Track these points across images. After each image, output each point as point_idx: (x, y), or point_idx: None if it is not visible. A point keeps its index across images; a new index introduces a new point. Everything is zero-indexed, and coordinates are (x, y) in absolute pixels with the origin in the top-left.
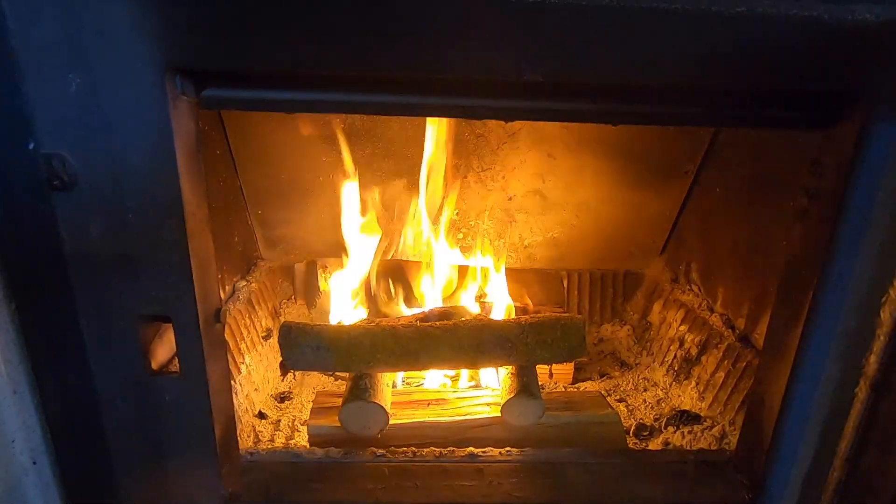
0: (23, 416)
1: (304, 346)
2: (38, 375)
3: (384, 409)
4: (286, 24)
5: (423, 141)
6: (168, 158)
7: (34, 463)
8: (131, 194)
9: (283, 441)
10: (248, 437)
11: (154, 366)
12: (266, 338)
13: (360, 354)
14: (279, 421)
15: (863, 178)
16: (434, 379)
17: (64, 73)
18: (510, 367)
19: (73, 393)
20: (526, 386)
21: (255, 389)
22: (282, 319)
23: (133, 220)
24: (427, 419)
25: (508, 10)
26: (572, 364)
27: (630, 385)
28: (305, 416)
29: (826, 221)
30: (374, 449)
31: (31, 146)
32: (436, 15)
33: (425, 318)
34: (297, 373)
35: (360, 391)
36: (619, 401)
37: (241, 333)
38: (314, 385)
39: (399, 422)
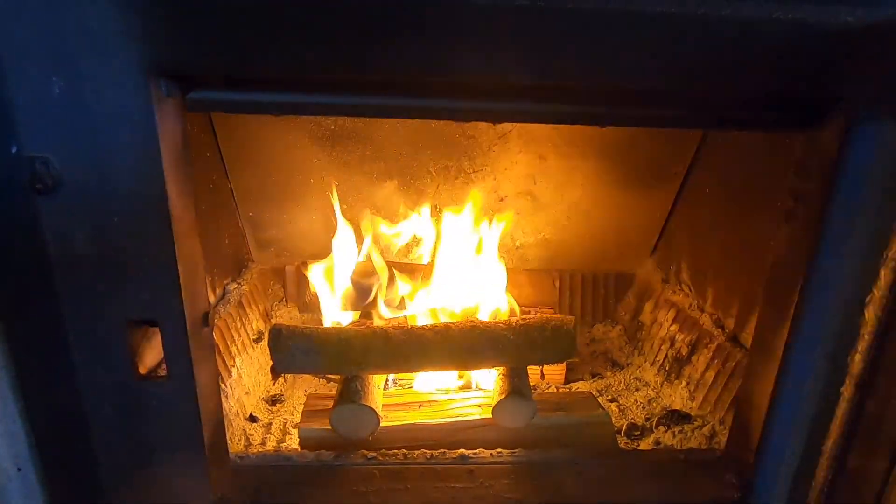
0: (6, 422)
1: (294, 350)
2: (22, 381)
3: (375, 411)
4: (273, 26)
5: (414, 142)
6: (154, 161)
7: (19, 469)
8: (117, 198)
9: (275, 444)
10: (239, 440)
11: (142, 370)
12: (257, 340)
13: (350, 357)
14: (270, 424)
15: (847, 179)
16: (426, 381)
17: (47, 75)
18: (501, 368)
19: (58, 399)
20: (517, 387)
21: (246, 392)
22: (273, 322)
23: (119, 224)
24: (418, 421)
25: (496, 13)
26: (564, 364)
27: (621, 385)
28: (297, 418)
29: (811, 222)
30: (366, 451)
31: (14, 149)
32: (424, 18)
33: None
34: (288, 375)
35: (351, 394)
36: (611, 401)
37: (232, 336)
38: (306, 387)
39: (390, 424)
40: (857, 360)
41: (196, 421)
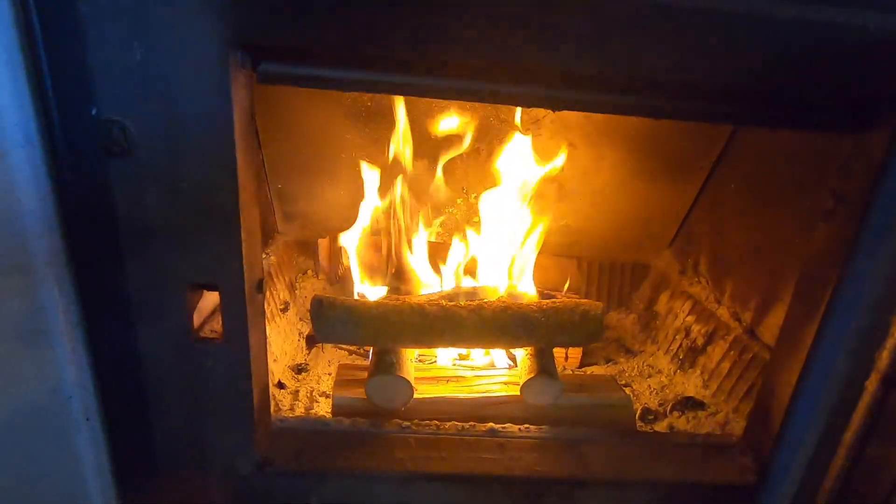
0: (79, 374)
1: (334, 320)
2: (91, 337)
3: (410, 383)
4: (348, 2)
5: (446, 122)
6: (226, 131)
7: (87, 419)
8: (187, 164)
9: (303, 411)
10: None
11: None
12: (284, 310)
13: (388, 330)
14: (297, 391)
15: (892, 182)
16: (447, 356)
17: (129, 41)
18: (529, 348)
19: (120, 356)
20: (545, 367)
21: (274, 360)
22: (298, 293)
23: (188, 190)
24: (446, 395)
25: (562, 3)
26: (580, 348)
27: (635, 371)
28: (322, 387)
29: (850, 223)
30: (399, 421)
31: (93, 111)
32: (498, 4)
33: (450, 297)
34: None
35: (387, 365)
36: (625, 385)
37: None
38: (329, 359)
39: (419, 396)
40: (885, 357)
41: (248, 383)
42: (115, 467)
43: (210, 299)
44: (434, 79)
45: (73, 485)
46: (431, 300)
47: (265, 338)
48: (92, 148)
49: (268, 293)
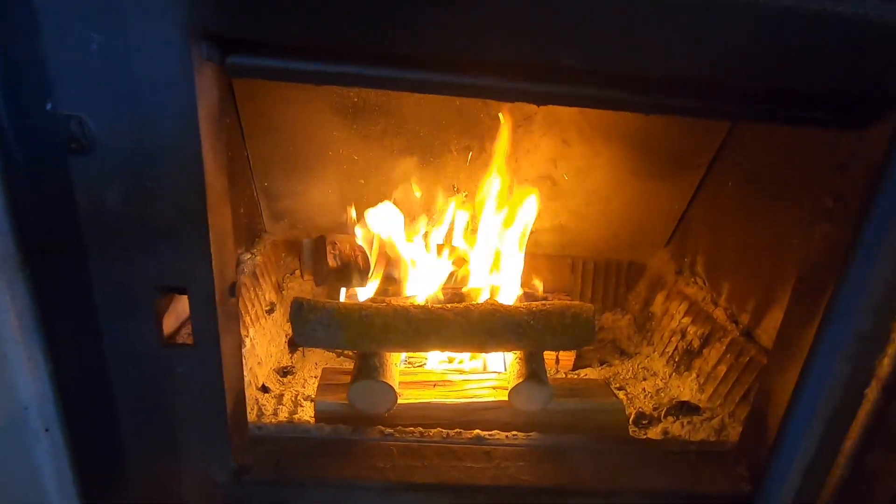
0: (37, 383)
1: (315, 324)
2: (51, 343)
3: (393, 388)
4: None
5: (437, 120)
6: (191, 127)
7: (46, 430)
8: (151, 162)
9: (287, 415)
10: (252, 410)
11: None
12: (270, 312)
13: (371, 334)
14: (282, 395)
15: (891, 182)
16: (437, 360)
17: (86, 31)
18: (518, 352)
19: (85, 362)
20: (534, 371)
21: (259, 363)
22: (285, 294)
23: (152, 189)
24: (433, 400)
25: None
26: (574, 351)
27: (629, 373)
28: (308, 391)
29: (849, 223)
30: (382, 427)
31: (49, 107)
32: None
33: (437, 299)
34: (298, 348)
35: (370, 370)
36: (619, 389)
37: (246, 306)
38: (316, 360)
39: (405, 401)
40: (886, 364)
41: (220, 390)
42: (79, 480)
43: (187, 302)
44: (417, 72)
45: (33, 499)
46: (417, 303)
47: (240, 343)
48: (49, 144)
49: (253, 294)
